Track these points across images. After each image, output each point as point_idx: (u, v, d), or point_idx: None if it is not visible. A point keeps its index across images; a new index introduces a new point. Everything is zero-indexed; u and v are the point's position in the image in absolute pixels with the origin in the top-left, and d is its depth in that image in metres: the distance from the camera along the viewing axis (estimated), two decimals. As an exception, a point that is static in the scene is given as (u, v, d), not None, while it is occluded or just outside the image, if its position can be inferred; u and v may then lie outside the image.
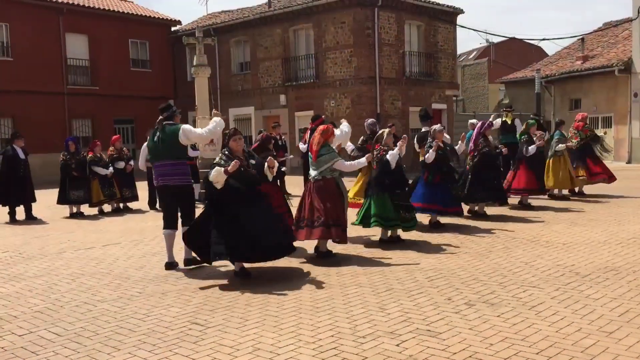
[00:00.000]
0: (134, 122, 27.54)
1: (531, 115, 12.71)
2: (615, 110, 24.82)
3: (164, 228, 7.21)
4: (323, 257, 7.40)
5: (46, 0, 24.91)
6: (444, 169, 9.26)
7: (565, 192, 12.90)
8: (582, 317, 4.81)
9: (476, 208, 10.61)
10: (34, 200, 12.65)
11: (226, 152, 6.58)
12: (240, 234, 6.26)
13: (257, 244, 6.30)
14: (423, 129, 10.81)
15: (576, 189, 13.09)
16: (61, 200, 12.74)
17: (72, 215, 12.68)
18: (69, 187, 12.55)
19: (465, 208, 10.31)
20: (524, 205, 11.43)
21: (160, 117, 7.11)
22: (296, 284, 6.16)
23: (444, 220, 9.55)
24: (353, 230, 8.47)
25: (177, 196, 7.13)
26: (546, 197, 12.41)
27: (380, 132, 8.54)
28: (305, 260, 7.38)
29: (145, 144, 12.91)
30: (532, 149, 11.39)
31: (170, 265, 7.15)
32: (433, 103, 25.14)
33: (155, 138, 7.12)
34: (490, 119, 11.07)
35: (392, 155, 7.98)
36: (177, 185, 7.07)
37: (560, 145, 12.53)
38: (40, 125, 23.92)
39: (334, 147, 7.63)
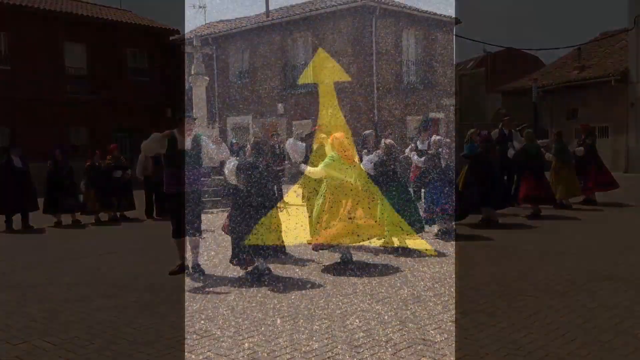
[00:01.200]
0: (133, 130, 27.52)
1: (521, 125, 12.88)
2: (612, 120, 24.89)
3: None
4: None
5: (45, 9, 24.96)
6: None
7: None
8: (578, 326, 4.81)
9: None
10: (36, 208, 12.63)
11: None
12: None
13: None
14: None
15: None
16: (47, 210, 12.69)
17: (57, 224, 12.66)
18: (60, 196, 12.53)
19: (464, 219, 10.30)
20: (533, 215, 11.34)
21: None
22: (292, 292, 6.16)
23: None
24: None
25: None
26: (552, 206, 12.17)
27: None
28: (301, 268, 7.38)
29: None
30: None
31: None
32: (430, 112, 25.18)
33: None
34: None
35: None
36: None
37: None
38: (39, 134, 23.89)
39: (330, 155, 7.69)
